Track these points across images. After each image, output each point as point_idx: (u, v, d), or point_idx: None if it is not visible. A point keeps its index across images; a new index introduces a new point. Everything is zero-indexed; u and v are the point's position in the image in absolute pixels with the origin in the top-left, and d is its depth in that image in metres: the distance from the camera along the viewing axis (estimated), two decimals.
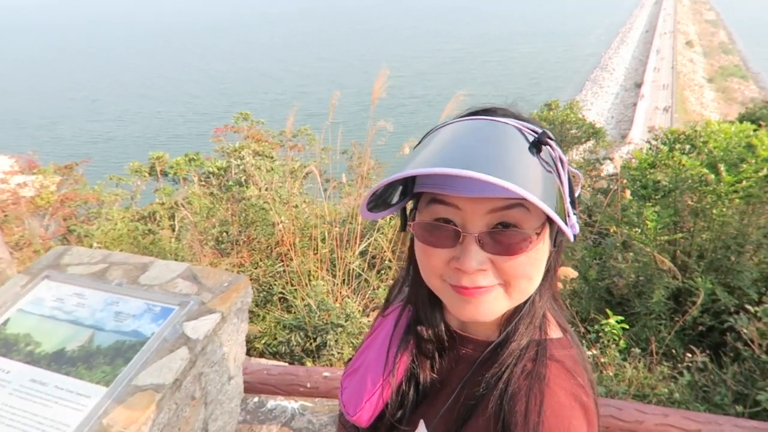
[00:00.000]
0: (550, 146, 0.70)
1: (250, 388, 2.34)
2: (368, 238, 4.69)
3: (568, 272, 3.26)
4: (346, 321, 3.50)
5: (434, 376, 0.85)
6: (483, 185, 0.65)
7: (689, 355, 3.40)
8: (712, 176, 3.35)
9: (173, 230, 8.89)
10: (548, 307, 0.81)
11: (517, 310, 0.77)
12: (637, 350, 3.64)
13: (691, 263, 4.15)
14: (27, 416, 1.45)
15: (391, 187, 0.76)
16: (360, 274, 4.44)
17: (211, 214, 7.90)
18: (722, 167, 3.31)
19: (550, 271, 0.77)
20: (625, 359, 3.58)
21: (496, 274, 0.71)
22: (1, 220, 9.73)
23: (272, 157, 10.46)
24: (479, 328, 0.82)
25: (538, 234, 0.70)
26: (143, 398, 1.45)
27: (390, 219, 4.97)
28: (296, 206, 6.18)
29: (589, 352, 3.55)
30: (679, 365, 3.59)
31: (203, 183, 10.22)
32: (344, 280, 4.41)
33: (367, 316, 3.70)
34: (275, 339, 4.30)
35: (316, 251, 4.90)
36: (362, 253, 4.66)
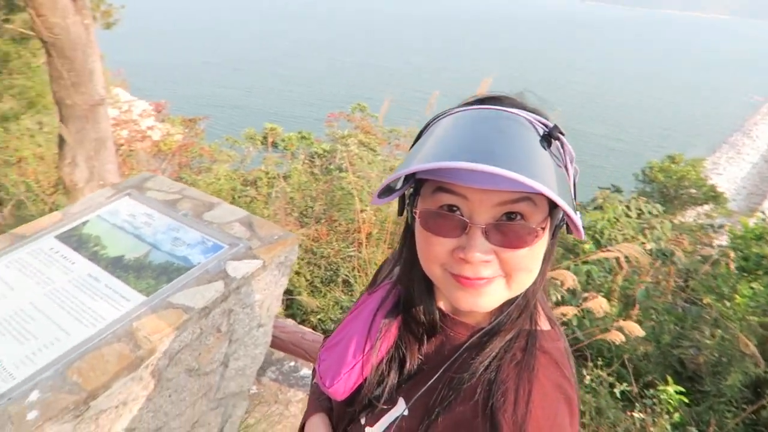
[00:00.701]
0: (561, 141, 0.69)
1: (282, 346, 2.43)
2: None
3: (632, 328, 3.05)
4: None
5: (420, 357, 0.84)
6: (496, 177, 0.64)
7: None
8: None
9: (269, 197, 9.38)
10: (539, 299, 0.80)
11: (511, 299, 0.76)
12: (694, 430, 3.34)
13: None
14: (75, 302, 1.61)
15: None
16: None
17: (303, 190, 8.23)
18: None
19: (545, 262, 0.77)
20: None
21: (499, 265, 0.71)
22: (126, 153, 10.78)
23: (375, 151, 10.69)
24: (472, 313, 0.81)
25: (543, 228, 0.69)
26: (172, 314, 1.56)
27: None
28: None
29: (638, 415, 3.29)
30: None
31: (307, 161, 10.67)
32: None
33: None
34: (329, 317, 4.42)
35: (390, 245, 4.96)
36: None
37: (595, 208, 4.99)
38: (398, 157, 11.89)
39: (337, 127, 12.72)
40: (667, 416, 3.18)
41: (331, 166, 11.00)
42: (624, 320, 3.26)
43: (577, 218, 0.64)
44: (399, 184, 0.78)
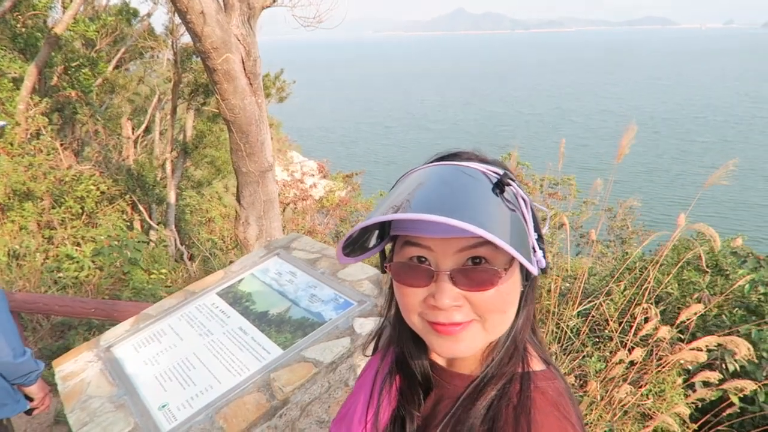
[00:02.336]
0: (512, 186, 0.73)
1: None
2: (592, 300, 4.37)
3: None
4: None
5: (418, 414, 0.85)
6: (451, 227, 0.67)
7: None
8: None
9: None
10: (528, 341, 0.82)
11: (498, 344, 0.78)
12: None
13: None
14: (227, 353, 1.83)
15: (367, 232, 0.80)
16: (574, 337, 4.17)
17: None
18: None
19: (526, 305, 0.79)
20: None
21: (471, 309, 0.73)
22: (293, 210, 11.86)
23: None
24: (464, 363, 0.83)
25: (506, 269, 0.72)
26: (304, 368, 1.70)
27: (626, 287, 4.54)
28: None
29: None
30: None
31: None
32: (557, 337, 4.19)
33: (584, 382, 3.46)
34: None
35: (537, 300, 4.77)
36: (583, 315, 4.37)
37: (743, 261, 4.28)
38: (551, 206, 11.47)
39: None
40: None
41: None
42: None
43: (517, 255, 0.63)
44: (373, 242, 0.81)
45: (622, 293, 4.56)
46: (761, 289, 4.23)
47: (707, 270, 4.81)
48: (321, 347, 1.76)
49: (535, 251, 0.72)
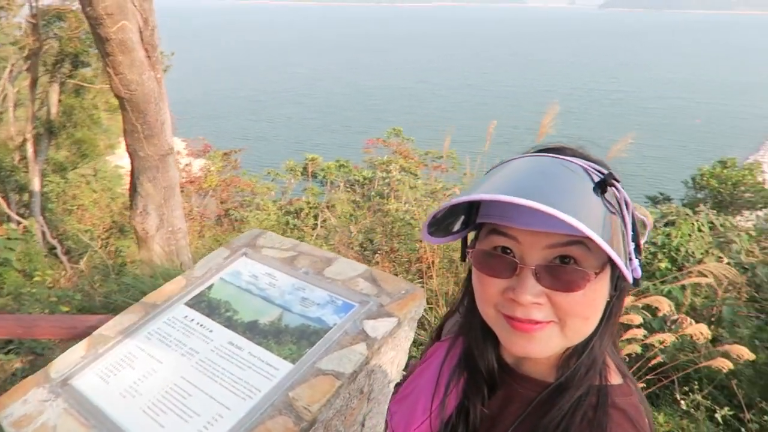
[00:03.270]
0: (616, 188, 0.70)
1: None
2: None
3: (741, 352, 2.93)
4: None
5: (485, 411, 0.83)
6: (544, 219, 0.65)
7: None
8: None
9: (314, 228, 9.46)
10: (608, 353, 0.79)
11: (576, 352, 0.75)
12: None
13: None
14: (225, 373, 1.63)
15: (453, 214, 0.77)
16: None
17: (352, 221, 8.28)
18: None
19: (611, 316, 0.76)
20: None
21: (552, 310, 0.70)
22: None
23: (416, 175, 10.72)
24: (536, 366, 0.80)
25: (597, 273, 0.69)
26: (325, 382, 1.56)
27: None
28: None
29: None
30: None
31: (349, 189, 10.75)
32: None
33: None
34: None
35: (455, 274, 4.92)
36: None
37: (666, 224, 4.86)
38: (438, 179, 11.88)
39: (375, 152, 12.82)
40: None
41: (372, 193, 11.03)
42: (731, 344, 3.14)
43: (618, 260, 0.63)
44: (457, 227, 0.79)
45: None
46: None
47: None
48: (336, 357, 1.63)
49: (631, 259, 0.69)
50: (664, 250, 4.44)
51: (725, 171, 9.47)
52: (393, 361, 1.85)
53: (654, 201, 10.68)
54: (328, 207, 10.21)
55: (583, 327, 0.72)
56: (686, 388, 3.75)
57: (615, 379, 0.77)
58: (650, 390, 3.69)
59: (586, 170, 0.71)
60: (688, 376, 3.86)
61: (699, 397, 3.77)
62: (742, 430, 3.39)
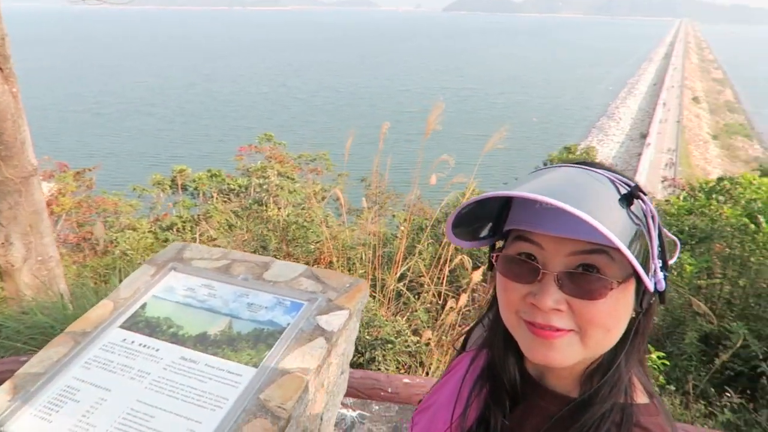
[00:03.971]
0: (642, 200, 0.70)
1: None
2: (407, 262, 4.84)
3: None
4: (397, 338, 3.64)
5: (506, 423, 0.82)
6: (568, 226, 0.67)
7: (727, 395, 3.54)
8: (753, 226, 3.56)
9: (193, 241, 9.01)
10: (635, 372, 0.77)
11: (600, 368, 0.75)
12: (672, 387, 3.78)
13: (720, 309, 4.33)
14: (185, 389, 1.59)
15: (479, 219, 0.79)
16: (400, 296, 4.59)
17: (233, 230, 8.05)
18: (762, 218, 3.53)
19: (637, 334, 0.75)
20: (660, 395, 3.71)
21: (572, 318, 0.71)
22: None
23: (294, 179, 10.68)
24: (559, 381, 0.80)
25: (619, 283, 0.69)
26: (293, 379, 1.60)
27: (428, 245, 5.14)
28: (329, 226, 6.34)
29: None
30: (712, 406, 3.72)
31: (226, 200, 10.39)
32: (383, 302, 4.56)
33: (419, 335, 3.84)
34: None
35: (352, 272, 5.06)
36: (401, 277, 4.82)
37: None
38: (316, 181, 11.93)
39: (247, 160, 12.51)
40: (653, 380, 3.58)
41: (249, 201, 10.78)
42: None
43: (639, 268, 0.65)
44: (484, 233, 0.81)
45: (428, 251, 5.16)
46: None
47: None
48: (299, 354, 1.67)
49: (656, 273, 0.70)
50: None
51: (570, 156, 10.74)
52: (344, 353, 1.92)
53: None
54: (205, 219, 9.79)
55: (604, 338, 0.72)
56: None
57: (641, 398, 0.76)
58: None
59: (612, 182, 0.71)
60: None
61: None
62: None
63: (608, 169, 0.76)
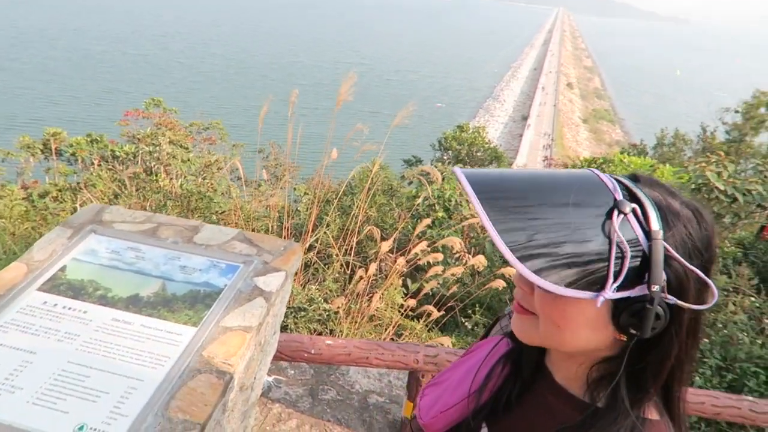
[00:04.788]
0: (628, 217, 0.67)
1: None
2: (316, 233, 4.90)
3: (512, 272, 3.78)
4: (310, 305, 3.71)
5: (515, 406, 0.87)
6: None
7: None
8: None
9: (73, 213, 8.36)
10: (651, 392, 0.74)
11: (608, 375, 0.73)
12: None
13: None
14: (122, 349, 1.55)
15: None
16: (308, 266, 4.65)
17: (119, 199, 7.58)
18: None
19: (634, 362, 0.71)
20: None
21: (533, 302, 0.74)
22: None
23: (187, 148, 10.17)
24: (564, 377, 0.81)
25: (567, 285, 0.66)
26: (235, 336, 1.62)
27: (335, 217, 5.22)
28: (231, 197, 6.19)
29: None
30: None
31: (110, 167, 9.65)
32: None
33: (329, 302, 3.93)
34: None
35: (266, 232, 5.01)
36: (310, 248, 4.87)
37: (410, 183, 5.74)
38: (212, 152, 11.45)
39: (133, 126, 11.66)
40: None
41: (137, 169, 10.14)
42: (501, 268, 3.99)
43: (545, 282, 0.64)
44: None
45: (335, 223, 5.26)
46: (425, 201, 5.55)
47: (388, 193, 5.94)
48: (239, 313, 1.69)
49: (604, 288, 0.65)
50: (440, 202, 5.26)
51: (462, 134, 11.30)
52: (278, 314, 1.97)
53: (409, 163, 12.11)
54: (86, 186, 9.08)
55: (557, 334, 0.72)
56: (469, 311, 4.60)
57: (653, 414, 0.75)
58: (445, 319, 4.43)
59: (609, 189, 0.70)
60: (470, 304, 4.73)
61: (477, 316, 4.64)
62: None
63: (651, 183, 0.73)
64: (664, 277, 0.66)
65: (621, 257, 0.65)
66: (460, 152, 10.94)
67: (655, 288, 0.65)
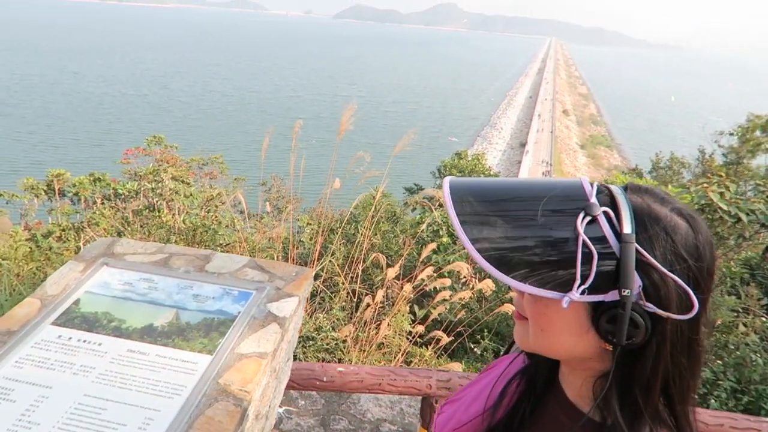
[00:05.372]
0: (598, 221, 0.66)
1: None
2: (321, 262, 4.90)
3: None
4: (318, 334, 3.68)
5: (527, 418, 0.86)
6: None
7: None
8: None
9: (77, 252, 8.40)
10: (661, 410, 0.72)
11: (610, 393, 0.71)
12: None
13: None
14: (138, 380, 1.55)
15: None
16: (314, 295, 4.63)
17: (122, 237, 7.61)
18: None
19: (625, 369, 0.69)
20: None
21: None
22: None
23: (189, 183, 10.25)
24: (570, 389, 0.80)
25: (551, 287, 0.66)
26: (251, 363, 1.62)
27: (340, 245, 5.23)
28: (236, 229, 6.21)
29: None
30: None
31: (113, 206, 9.71)
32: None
33: (336, 330, 3.91)
34: None
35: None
36: (315, 277, 4.87)
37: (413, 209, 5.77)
38: (214, 186, 11.53)
39: (136, 163, 11.78)
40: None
41: (140, 207, 10.21)
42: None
43: (539, 292, 0.66)
44: None
45: (341, 252, 5.26)
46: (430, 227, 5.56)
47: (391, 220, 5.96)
48: (254, 339, 1.69)
49: (571, 289, 0.65)
50: (444, 227, 5.28)
51: (461, 161, 11.40)
52: (291, 340, 1.96)
53: (410, 191, 12.17)
54: (89, 225, 9.13)
55: (542, 339, 0.73)
56: (478, 337, 4.57)
57: (662, 427, 0.73)
58: (454, 346, 4.39)
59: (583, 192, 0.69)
60: (478, 330, 4.69)
61: (486, 341, 4.61)
62: None
63: (647, 192, 0.72)
64: (639, 282, 0.64)
65: (589, 260, 0.65)
66: None
67: (626, 292, 0.63)
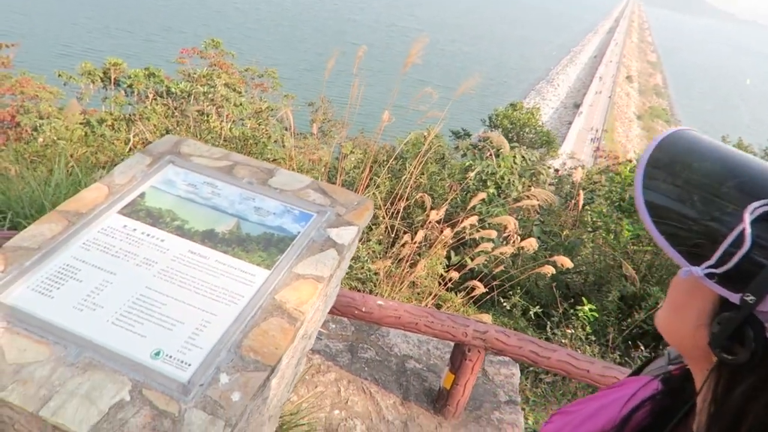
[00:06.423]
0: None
1: None
2: (366, 194, 4.88)
3: (564, 261, 3.69)
4: (355, 263, 3.71)
5: None
6: None
7: (641, 348, 3.98)
8: None
9: (126, 143, 8.58)
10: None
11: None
12: (593, 338, 4.16)
13: (643, 274, 4.76)
14: (197, 282, 1.57)
15: None
16: None
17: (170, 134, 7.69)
18: None
19: (724, 381, 0.61)
20: (585, 344, 4.08)
21: None
22: None
23: (240, 92, 10.21)
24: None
25: (694, 262, 0.61)
26: (307, 285, 1.62)
27: (386, 179, 5.18)
28: (283, 146, 6.20)
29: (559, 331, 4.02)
30: (626, 357, 4.15)
31: (165, 103, 9.78)
32: None
33: (372, 262, 3.93)
34: None
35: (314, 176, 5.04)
36: None
37: (497, 155, 5.61)
38: (264, 99, 11.47)
39: (190, 64, 11.74)
40: (581, 329, 3.94)
41: (189, 107, 10.25)
42: (552, 256, 3.90)
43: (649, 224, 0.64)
44: None
45: (385, 185, 5.21)
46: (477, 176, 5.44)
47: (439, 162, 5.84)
48: (311, 262, 1.69)
49: (699, 264, 0.61)
50: (492, 178, 5.16)
51: (515, 113, 11.02)
52: (344, 268, 1.95)
53: (457, 135, 11.91)
54: (140, 119, 9.25)
55: (665, 312, 0.71)
56: (509, 293, 4.55)
57: None
58: (485, 298, 4.39)
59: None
60: (513, 285, 4.67)
61: (516, 298, 4.59)
62: (548, 322, 4.28)
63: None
64: None
65: (738, 246, 0.58)
66: (510, 131, 10.70)
67: (749, 297, 0.57)
